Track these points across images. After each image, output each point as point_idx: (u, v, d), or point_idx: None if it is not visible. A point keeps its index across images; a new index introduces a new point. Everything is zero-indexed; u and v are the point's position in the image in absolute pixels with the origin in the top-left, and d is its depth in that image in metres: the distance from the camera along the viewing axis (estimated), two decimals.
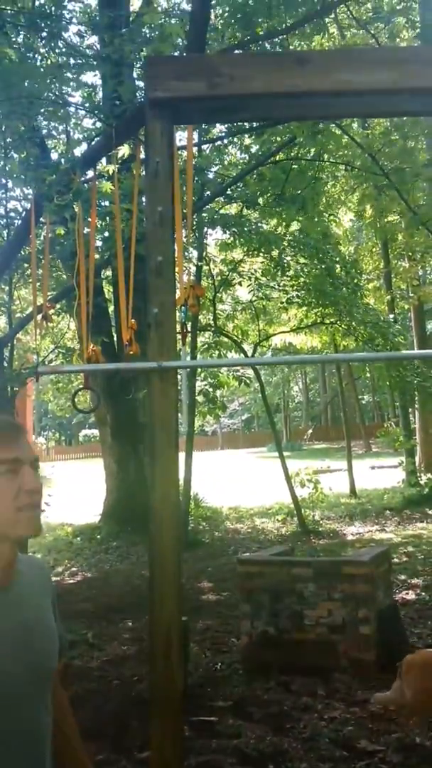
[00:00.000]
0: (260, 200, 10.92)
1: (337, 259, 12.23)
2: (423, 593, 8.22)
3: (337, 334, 13.98)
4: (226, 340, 12.33)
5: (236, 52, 6.98)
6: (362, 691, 5.18)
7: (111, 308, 12.79)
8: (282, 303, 11.81)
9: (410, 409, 18.96)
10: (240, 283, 11.23)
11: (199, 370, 11.83)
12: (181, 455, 13.17)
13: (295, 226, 12.19)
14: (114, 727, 4.68)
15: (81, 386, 2.94)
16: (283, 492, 14.11)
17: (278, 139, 9.03)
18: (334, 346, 17.95)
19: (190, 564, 10.76)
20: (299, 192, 9.86)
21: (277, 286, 11.62)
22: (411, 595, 8.16)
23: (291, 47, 9.42)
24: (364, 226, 16.79)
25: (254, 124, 8.04)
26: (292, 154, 10.29)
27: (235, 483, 23.20)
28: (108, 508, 14.29)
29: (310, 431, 45.38)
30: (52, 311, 2.98)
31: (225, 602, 8.20)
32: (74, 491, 19.43)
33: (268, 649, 5.85)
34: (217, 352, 11.71)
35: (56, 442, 51.86)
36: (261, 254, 11.36)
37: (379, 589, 5.86)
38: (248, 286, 11.34)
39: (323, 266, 11.33)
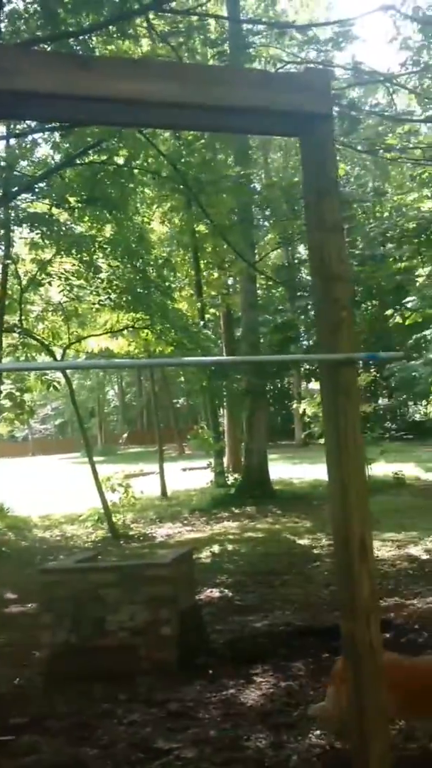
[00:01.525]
0: (72, 200, 10.71)
1: (151, 263, 12.33)
2: (226, 590, 8.54)
3: (150, 339, 14.13)
4: (33, 342, 11.94)
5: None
6: (163, 691, 5.26)
7: None
8: (94, 305, 11.67)
9: (220, 413, 19.70)
10: (50, 283, 10.92)
11: (5, 373, 11.32)
12: None
13: (108, 229, 12.12)
14: None
15: None
16: (94, 498, 13.96)
17: (89, 140, 8.91)
18: (148, 351, 18.12)
19: None
20: (110, 194, 9.82)
21: (89, 288, 11.46)
22: (215, 593, 8.43)
23: (101, 51, 9.37)
24: (174, 234, 17.16)
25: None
26: (104, 157, 10.23)
27: (46, 490, 22.57)
28: None
29: (126, 435, 45.46)
30: None
31: (29, 614, 7.91)
32: None
33: (70, 658, 5.74)
34: (24, 354, 11.29)
35: None
36: (72, 255, 11.16)
37: (180, 589, 5.99)
38: (59, 286, 11.06)
39: (137, 270, 11.36)
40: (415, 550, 9.83)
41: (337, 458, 2.39)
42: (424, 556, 9.43)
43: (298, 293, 30.98)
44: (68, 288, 10.85)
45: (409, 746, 3.97)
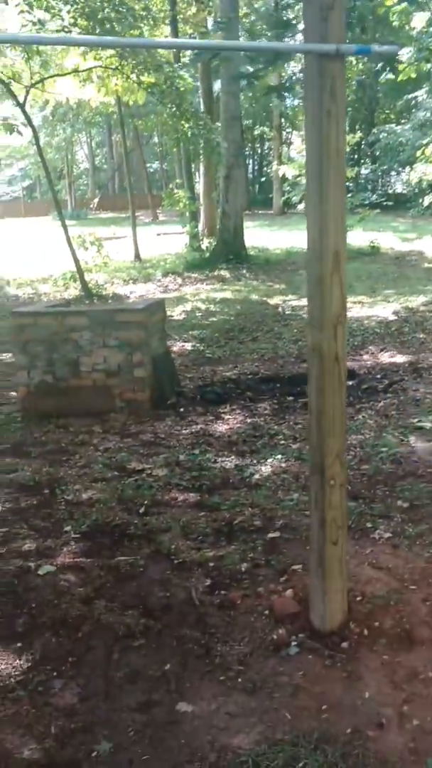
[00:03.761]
0: None
1: None
2: (198, 344, 8.79)
3: (121, 87, 12.94)
4: None
5: None
6: (136, 426, 5.59)
7: None
8: (58, 30, 10.19)
9: (196, 179, 18.82)
10: (6, 2, 9.39)
11: None
12: None
13: None
14: None
15: None
16: (67, 260, 13.71)
17: None
18: (119, 102, 16.75)
19: None
20: None
21: (53, 12, 9.91)
22: (187, 346, 8.68)
23: None
24: None
25: None
26: None
27: (18, 251, 22.13)
28: None
29: (97, 200, 43.76)
30: None
31: (4, 362, 8.13)
32: None
33: (46, 397, 5.99)
34: None
35: None
36: None
37: (153, 336, 6.10)
38: (17, 6, 9.53)
39: None
40: (383, 312, 10.06)
41: (318, 164, 2.24)
42: (391, 317, 9.67)
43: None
44: (28, 9, 9.37)
45: (362, 468, 4.34)
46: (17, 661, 2.58)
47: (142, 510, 3.88)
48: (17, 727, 2.24)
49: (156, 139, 45.65)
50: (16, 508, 4.01)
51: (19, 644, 2.68)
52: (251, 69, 12.26)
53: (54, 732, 2.22)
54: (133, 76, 10.68)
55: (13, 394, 6.57)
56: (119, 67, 10.85)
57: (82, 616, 2.84)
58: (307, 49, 2.20)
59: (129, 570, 3.22)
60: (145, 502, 3.98)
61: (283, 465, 4.48)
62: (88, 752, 2.13)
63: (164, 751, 2.15)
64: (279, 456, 4.60)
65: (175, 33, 15.58)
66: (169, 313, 10.11)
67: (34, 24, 9.27)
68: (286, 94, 17.41)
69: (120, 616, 2.84)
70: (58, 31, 9.56)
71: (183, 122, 11.30)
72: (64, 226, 11.92)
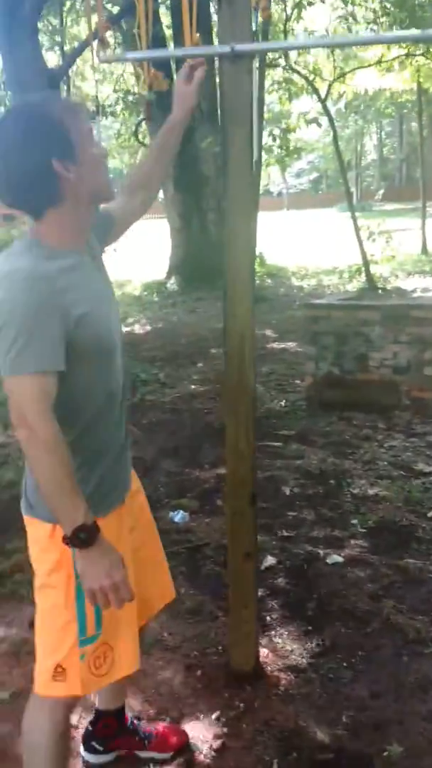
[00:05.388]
0: None
1: None
2: None
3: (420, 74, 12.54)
4: (297, 79, 11.16)
5: None
6: (422, 426, 5.41)
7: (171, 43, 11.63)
8: (369, 24, 10.17)
9: None
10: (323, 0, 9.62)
11: (268, 116, 10.90)
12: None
13: None
14: (188, 448, 5.10)
15: (143, 118, 2.75)
16: (351, 252, 13.72)
17: None
18: (419, 89, 16.26)
19: (255, 317, 10.93)
20: None
21: (363, 5, 9.89)
22: None
23: None
24: None
25: None
26: None
27: (302, 243, 22.75)
28: (174, 264, 14.34)
29: (382, 191, 43.12)
30: (108, 33, 2.67)
31: (289, 351, 8.43)
32: (139, 249, 19.40)
33: (331, 388, 6.08)
34: (287, 92, 10.66)
35: None
36: None
37: None
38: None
39: None
40: None
41: None
42: None
43: None
44: (342, 4, 9.47)
45: None
46: (308, 644, 2.67)
47: (431, 514, 3.76)
48: (309, 707, 2.32)
49: None
50: (304, 494, 4.15)
51: (309, 627, 2.78)
52: None
53: (345, 721, 2.26)
54: None
55: (298, 382, 6.80)
56: (426, 53, 10.48)
57: (371, 612, 2.84)
58: None
59: (418, 574, 3.14)
60: None
61: None
62: (379, 750, 2.13)
63: None
64: None
65: None
66: None
67: (346, 19, 9.37)
68: None
69: (409, 619, 2.79)
70: (368, 23, 9.54)
71: None
72: (354, 218, 11.93)
